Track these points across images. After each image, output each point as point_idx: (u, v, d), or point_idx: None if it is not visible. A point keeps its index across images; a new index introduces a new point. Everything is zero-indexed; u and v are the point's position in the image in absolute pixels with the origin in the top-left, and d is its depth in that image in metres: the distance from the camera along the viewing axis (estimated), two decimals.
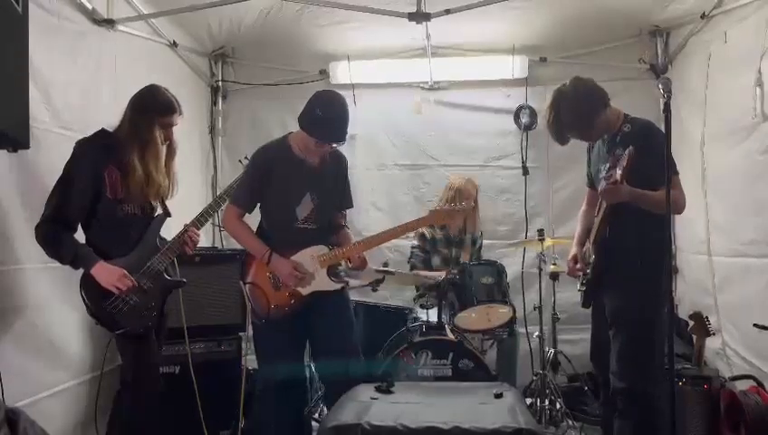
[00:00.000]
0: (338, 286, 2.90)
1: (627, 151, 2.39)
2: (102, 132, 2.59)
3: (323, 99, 2.77)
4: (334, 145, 2.85)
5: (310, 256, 2.85)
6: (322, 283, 2.86)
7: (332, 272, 2.91)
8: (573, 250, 2.92)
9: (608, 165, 2.63)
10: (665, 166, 2.31)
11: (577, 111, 2.61)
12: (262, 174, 2.84)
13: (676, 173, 2.27)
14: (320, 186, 2.87)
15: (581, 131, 2.69)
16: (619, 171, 2.39)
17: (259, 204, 2.91)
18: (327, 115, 2.72)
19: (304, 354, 3.05)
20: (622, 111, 2.68)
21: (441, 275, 3.68)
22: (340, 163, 3.02)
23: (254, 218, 2.96)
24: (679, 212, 2.60)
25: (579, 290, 2.83)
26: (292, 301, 2.85)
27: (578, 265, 2.85)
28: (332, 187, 2.95)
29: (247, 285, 2.88)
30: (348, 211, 3.16)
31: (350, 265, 2.94)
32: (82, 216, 2.52)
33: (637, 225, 2.53)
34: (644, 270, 2.52)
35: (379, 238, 2.97)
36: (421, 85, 4.75)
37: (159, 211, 2.72)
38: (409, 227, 3.02)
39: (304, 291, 2.85)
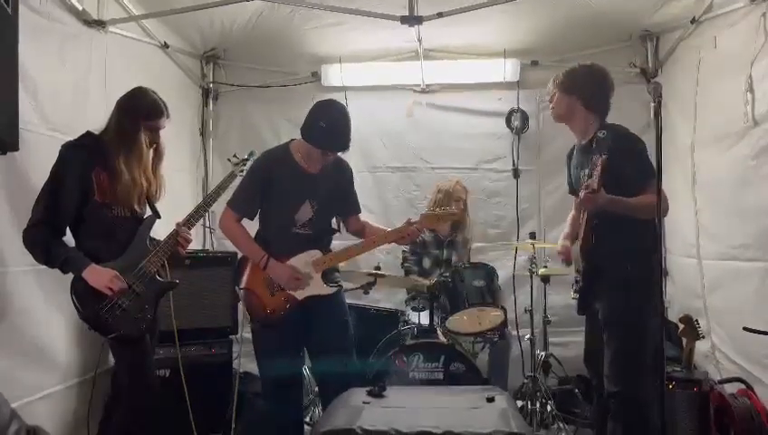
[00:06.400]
0: (332, 291, 2.91)
1: (600, 159, 2.40)
2: (88, 135, 2.55)
3: (326, 110, 2.84)
4: (338, 153, 2.89)
5: (304, 262, 2.86)
6: (317, 287, 2.88)
7: (327, 276, 2.92)
8: (562, 242, 2.94)
9: (587, 170, 2.64)
10: (641, 171, 2.35)
11: (589, 82, 2.75)
12: (261, 179, 2.85)
13: (653, 176, 2.25)
14: (319, 192, 2.89)
15: (571, 98, 2.74)
16: (594, 179, 2.41)
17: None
18: (331, 125, 2.78)
19: (303, 355, 3.07)
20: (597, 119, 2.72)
21: (428, 282, 3.66)
22: (342, 170, 3.05)
23: (251, 223, 2.95)
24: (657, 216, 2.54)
25: (573, 298, 2.84)
26: (288, 305, 2.86)
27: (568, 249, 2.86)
28: (333, 193, 2.96)
29: (242, 291, 2.90)
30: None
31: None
32: (70, 219, 2.47)
33: (621, 231, 2.54)
34: (634, 275, 2.53)
35: (369, 244, 2.96)
36: (413, 88, 4.74)
37: (149, 213, 2.68)
38: (398, 233, 2.90)
39: (299, 296, 2.86)
